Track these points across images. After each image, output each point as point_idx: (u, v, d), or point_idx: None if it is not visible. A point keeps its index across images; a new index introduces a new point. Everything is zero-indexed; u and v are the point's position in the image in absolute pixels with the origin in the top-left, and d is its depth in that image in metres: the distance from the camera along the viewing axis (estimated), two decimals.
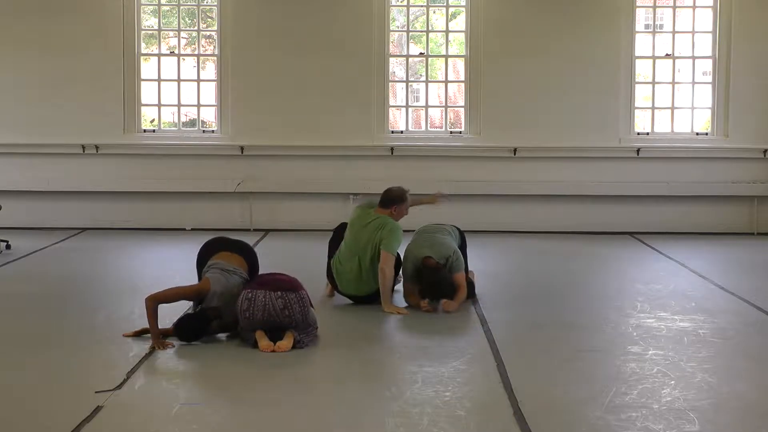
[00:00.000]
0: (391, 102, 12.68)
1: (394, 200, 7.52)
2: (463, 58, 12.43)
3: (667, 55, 12.40)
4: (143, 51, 12.48)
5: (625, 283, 8.85)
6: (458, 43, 13.05)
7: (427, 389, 5.18)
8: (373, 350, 6.31)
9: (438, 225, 7.85)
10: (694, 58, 12.40)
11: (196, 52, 12.72)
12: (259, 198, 12.09)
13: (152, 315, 6.09)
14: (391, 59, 12.58)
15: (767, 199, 12.09)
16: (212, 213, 12.07)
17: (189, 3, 12.47)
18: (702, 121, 12.59)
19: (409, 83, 13.06)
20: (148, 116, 12.88)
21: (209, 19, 12.79)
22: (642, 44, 12.42)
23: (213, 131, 12.34)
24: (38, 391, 5.16)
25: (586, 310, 7.45)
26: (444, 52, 12.84)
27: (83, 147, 12.03)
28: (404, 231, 7.49)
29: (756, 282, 8.66)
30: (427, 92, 12.62)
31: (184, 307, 6.65)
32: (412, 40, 13.11)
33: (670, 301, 7.65)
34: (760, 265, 9.74)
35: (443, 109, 12.86)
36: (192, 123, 13.06)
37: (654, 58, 12.39)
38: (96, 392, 5.04)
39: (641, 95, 12.66)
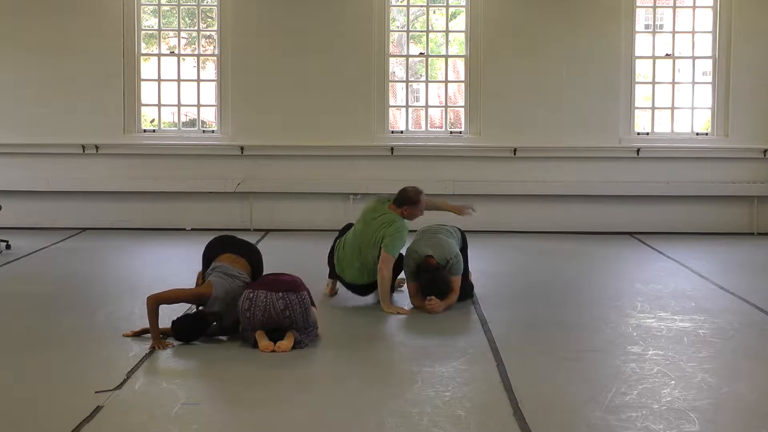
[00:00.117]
0: (391, 102, 12.68)
1: (405, 200, 7.53)
2: (463, 58, 12.44)
3: (667, 55, 12.40)
4: (143, 51, 12.48)
5: (625, 283, 8.85)
6: (458, 43, 13.05)
7: (427, 389, 5.18)
8: (373, 350, 6.31)
9: (440, 225, 7.86)
10: (694, 58, 12.40)
11: (196, 52, 12.72)
12: (259, 198, 12.09)
13: (153, 315, 6.09)
14: (391, 59, 12.58)
15: (767, 199, 12.09)
16: (212, 213, 12.07)
17: (189, 3, 12.47)
18: (702, 121, 12.59)
19: (409, 83, 13.06)
20: (148, 116, 12.88)
21: (209, 19, 12.78)
22: (642, 44, 12.42)
23: (213, 131, 12.34)
24: (38, 391, 5.16)
25: (586, 310, 7.45)
26: (444, 52, 12.84)
27: (83, 147, 12.03)
28: (409, 230, 7.54)
29: (756, 282, 8.66)
30: (427, 92, 12.62)
31: (185, 306, 6.66)
32: (412, 40, 13.11)
33: (670, 301, 7.65)
34: (760, 265, 9.74)
35: (443, 109, 12.86)
36: (192, 123, 13.06)
37: (654, 58, 12.39)
38: (96, 392, 5.04)
39: (641, 95, 12.66)
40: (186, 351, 6.02)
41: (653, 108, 12.48)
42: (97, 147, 12.04)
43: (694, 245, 11.05)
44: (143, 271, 9.39)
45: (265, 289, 6.11)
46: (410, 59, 12.80)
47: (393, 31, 12.65)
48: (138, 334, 6.32)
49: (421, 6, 12.88)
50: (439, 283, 7.25)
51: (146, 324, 6.23)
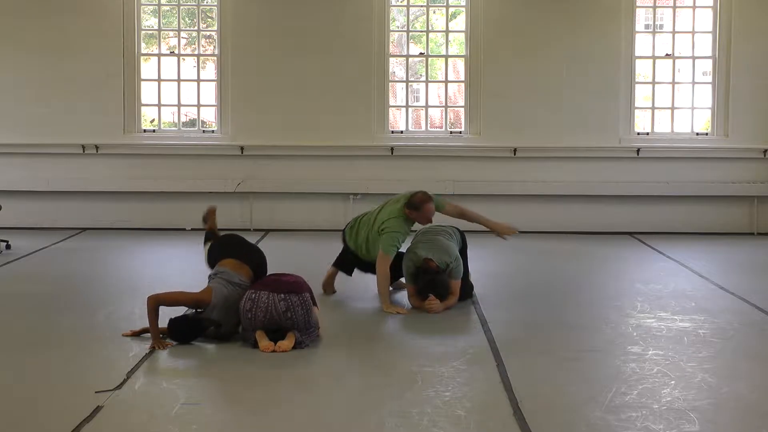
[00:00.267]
0: (391, 102, 12.68)
1: (410, 204, 7.50)
2: (463, 58, 12.44)
3: (667, 55, 12.40)
4: (143, 51, 12.48)
5: (625, 283, 8.85)
6: (458, 43, 13.05)
7: (427, 389, 5.18)
8: (373, 350, 6.31)
9: (440, 227, 7.84)
10: (694, 58, 12.40)
11: (196, 52, 12.72)
12: (259, 198, 12.09)
13: (153, 315, 6.09)
14: (391, 59, 12.58)
15: (767, 199, 12.09)
16: None
17: (189, 3, 12.47)
18: (702, 121, 12.59)
19: (409, 83, 13.06)
20: (148, 116, 12.87)
21: (209, 19, 12.78)
22: (642, 44, 12.42)
23: (213, 131, 12.34)
24: (38, 391, 5.17)
25: (586, 310, 7.45)
26: (444, 52, 12.84)
27: (83, 147, 12.03)
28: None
29: (756, 282, 8.66)
30: (427, 92, 12.62)
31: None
32: (412, 40, 13.11)
33: (670, 301, 7.65)
34: (760, 265, 9.75)
35: (443, 109, 12.86)
36: (192, 123, 13.06)
37: (654, 58, 12.39)
38: (96, 392, 5.04)
39: (641, 95, 12.66)
40: (186, 351, 6.02)
41: (653, 108, 12.48)
42: (97, 147, 12.04)
43: (694, 245, 11.05)
44: (143, 271, 9.39)
45: (267, 290, 6.10)
46: (410, 59, 12.79)
47: (393, 31, 12.65)
48: (138, 334, 6.32)
49: (421, 6, 12.88)
50: (438, 288, 7.25)
51: (146, 324, 6.23)
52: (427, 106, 12.73)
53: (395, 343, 6.53)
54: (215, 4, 12.21)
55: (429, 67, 12.75)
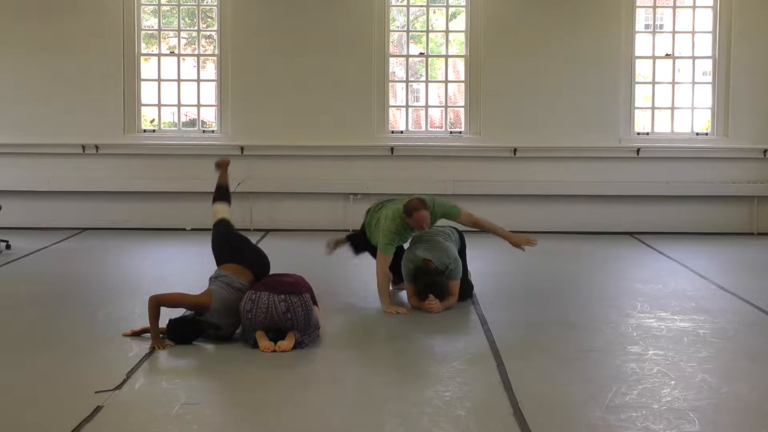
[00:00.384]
0: (391, 102, 12.68)
1: (404, 208, 7.44)
2: (463, 58, 12.44)
3: (667, 55, 12.40)
4: (143, 51, 12.48)
5: (625, 283, 8.85)
6: (458, 43, 13.05)
7: (427, 389, 5.18)
8: (373, 350, 6.32)
9: (438, 228, 7.84)
10: (694, 58, 12.40)
11: (196, 52, 12.72)
12: (259, 198, 12.09)
13: (153, 315, 6.09)
14: (391, 59, 12.58)
15: (767, 199, 12.09)
16: (212, 213, 12.03)
17: (189, 3, 12.47)
18: (702, 121, 12.59)
19: (409, 83, 13.06)
20: (148, 116, 12.88)
21: (209, 19, 12.79)
22: (642, 44, 12.42)
23: (213, 131, 12.34)
24: (38, 391, 5.17)
25: (586, 310, 7.45)
26: (444, 52, 12.84)
27: (83, 147, 12.03)
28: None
29: (756, 282, 8.66)
30: (427, 92, 12.62)
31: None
32: (412, 40, 13.11)
33: (670, 301, 7.65)
34: (760, 265, 9.74)
35: (443, 109, 12.86)
36: (192, 123, 13.06)
37: (654, 58, 12.39)
38: (96, 392, 5.05)
39: (641, 95, 12.66)
40: (186, 351, 6.02)
41: (653, 108, 12.49)
42: (97, 147, 12.04)
43: (694, 245, 11.05)
44: (143, 271, 9.39)
45: (268, 291, 6.10)
46: (410, 59, 12.80)
47: (393, 31, 12.65)
48: (138, 334, 6.32)
49: (421, 6, 12.88)
50: (437, 289, 7.26)
51: (146, 323, 6.23)
52: (427, 106, 12.73)
53: (395, 343, 6.53)
54: (215, 4, 12.21)
55: (429, 67, 12.75)
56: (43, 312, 7.19)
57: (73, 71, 11.96)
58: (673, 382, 5.34)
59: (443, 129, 12.57)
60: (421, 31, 13.19)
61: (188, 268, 9.41)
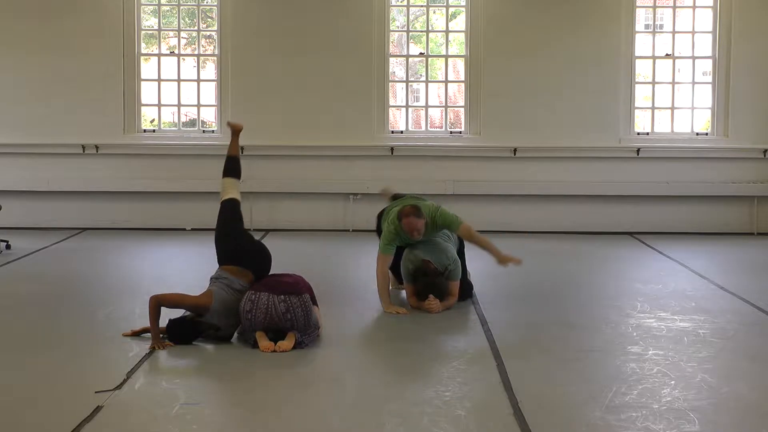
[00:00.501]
0: (391, 102, 12.68)
1: (397, 214, 7.47)
2: (463, 58, 12.44)
3: (667, 55, 12.40)
4: (143, 51, 12.48)
5: (625, 283, 8.85)
6: (458, 43, 13.05)
7: (427, 389, 5.18)
8: (373, 350, 6.32)
9: None
10: (694, 58, 12.40)
11: (196, 52, 12.72)
12: (259, 198, 12.08)
13: (154, 315, 6.08)
14: (391, 59, 12.58)
15: (767, 199, 12.09)
16: (212, 213, 11.84)
17: (189, 3, 12.47)
18: (702, 121, 12.59)
19: (409, 83, 13.06)
20: (148, 116, 12.87)
21: (209, 19, 12.78)
22: (642, 44, 12.42)
23: (213, 131, 12.34)
24: (38, 391, 5.16)
25: (586, 310, 7.45)
26: (444, 52, 12.84)
27: (83, 147, 12.03)
28: None
29: (756, 282, 8.66)
30: (427, 92, 12.62)
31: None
32: (412, 40, 13.11)
33: (670, 301, 7.65)
34: (760, 265, 9.74)
35: (443, 109, 12.85)
36: (192, 123, 13.06)
37: (654, 58, 12.39)
38: (96, 392, 5.04)
39: (641, 95, 12.66)
40: (186, 351, 6.02)
41: (653, 108, 12.49)
42: (97, 147, 12.04)
43: (694, 245, 11.05)
44: (143, 271, 9.39)
45: (267, 291, 6.09)
46: (410, 59, 12.80)
47: (393, 31, 12.65)
48: (137, 334, 6.32)
49: (421, 6, 12.88)
50: (436, 289, 7.27)
51: (146, 323, 6.23)
52: (427, 106, 12.73)
53: (395, 343, 6.52)
54: (215, 4, 12.21)
55: (429, 67, 12.75)
56: (43, 312, 7.19)
57: (73, 71, 11.96)
58: (673, 382, 5.34)
59: (443, 129, 12.57)
60: (421, 31, 13.18)
61: (188, 268, 9.41)
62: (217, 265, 6.59)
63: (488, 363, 5.76)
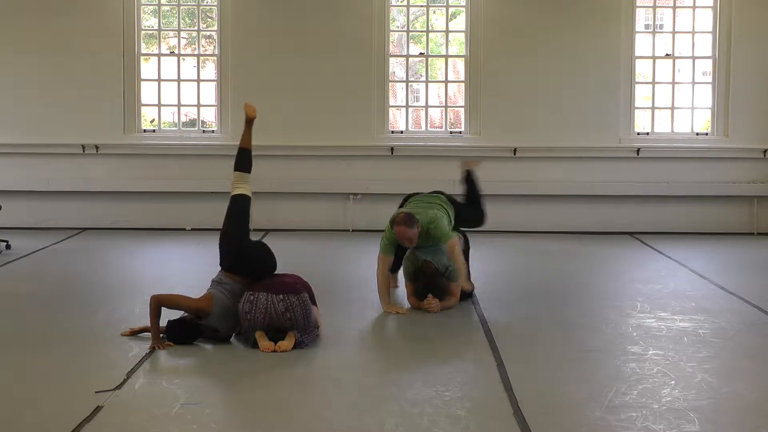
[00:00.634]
0: (391, 102, 12.68)
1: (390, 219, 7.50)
2: (463, 58, 12.44)
3: (667, 55, 12.41)
4: (143, 51, 12.48)
5: (625, 283, 8.85)
6: (458, 43, 13.05)
7: (427, 389, 5.18)
8: (373, 350, 6.32)
9: None
10: (694, 58, 12.40)
11: (196, 52, 12.72)
12: (259, 198, 11.96)
13: (154, 314, 6.07)
14: (391, 59, 12.58)
15: (767, 199, 12.09)
16: (212, 213, 11.97)
17: (189, 3, 12.47)
18: (702, 121, 12.59)
19: (409, 83, 13.06)
20: (148, 116, 12.88)
21: (209, 19, 12.78)
22: (642, 44, 12.42)
23: (213, 131, 12.34)
24: (38, 391, 5.16)
25: (586, 310, 7.45)
26: (444, 52, 12.84)
27: (83, 147, 12.03)
28: None
29: (756, 282, 8.66)
30: (427, 92, 12.62)
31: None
32: (412, 40, 13.11)
33: (670, 301, 7.65)
34: (760, 265, 9.74)
35: (443, 109, 12.86)
36: (192, 123, 13.06)
37: (654, 58, 12.39)
38: (96, 392, 5.04)
39: (641, 95, 12.66)
40: (186, 351, 6.02)
41: (653, 108, 12.49)
42: (97, 147, 12.04)
43: (694, 245, 11.05)
44: (143, 271, 9.39)
45: (266, 291, 6.09)
46: (410, 59, 12.80)
47: (393, 31, 12.65)
48: (136, 333, 6.31)
49: (421, 6, 12.88)
50: (436, 290, 7.27)
51: (146, 323, 6.23)
52: (427, 106, 12.74)
53: (395, 343, 6.53)
54: (215, 4, 12.21)
55: (429, 67, 12.75)
56: (43, 312, 7.19)
57: (72, 71, 11.96)
58: (673, 382, 5.34)
59: (443, 129, 12.57)
60: (421, 31, 13.19)
61: (188, 268, 9.41)
62: (219, 266, 6.51)
63: (488, 363, 5.76)
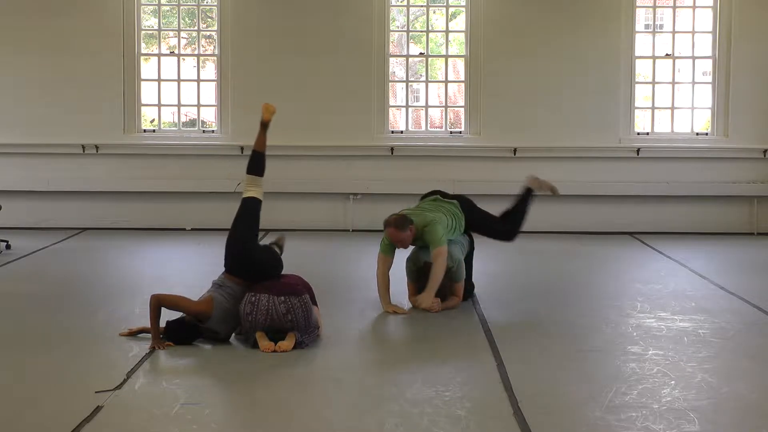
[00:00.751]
0: (391, 102, 12.68)
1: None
2: (463, 58, 12.44)
3: (667, 55, 12.40)
4: (143, 51, 12.48)
5: (625, 283, 8.85)
6: (458, 43, 13.05)
7: (427, 389, 5.18)
8: (373, 350, 6.32)
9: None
10: (694, 58, 12.40)
11: (196, 52, 12.72)
12: None
13: (154, 314, 6.06)
14: (391, 59, 12.58)
15: (767, 199, 12.09)
16: (212, 213, 12.05)
17: (189, 3, 12.47)
18: (702, 121, 12.59)
19: (409, 83, 13.06)
20: (148, 116, 12.87)
21: (209, 19, 12.78)
22: (642, 44, 12.42)
23: (213, 131, 12.34)
24: (38, 391, 5.16)
25: (586, 310, 7.45)
26: (444, 52, 12.84)
27: (83, 147, 12.03)
28: None
29: (756, 282, 8.66)
30: (427, 92, 12.62)
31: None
32: (412, 40, 13.11)
33: (670, 301, 7.65)
34: (760, 265, 9.74)
35: (443, 109, 12.86)
36: (192, 123, 13.06)
37: (654, 58, 12.39)
38: (96, 392, 5.04)
39: (641, 95, 12.66)
40: (186, 351, 6.02)
41: (653, 108, 12.49)
42: (97, 147, 12.04)
43: (694, 245, 11.05)
44: (143, 271, 9.39)
45: (268, 293, 6.08)
46: (410, 59, 12.80)
47: (393, 31, 12.65)
48: (134, 334, 6.31)
49: (421, 6, 12.88)
50: (438, 292, 7.26)
51: (145, 323, 6.23)
52: (427, 106, 12.74)
53: (395, 343, 6.53)
54: (215, 4, 12.21)
55: (429, 67, 12.75)
56: (43, 312, 7.19)
57: (72, 71, 11.96)
58: (673, 382, 5.34)
59: (443, 129, 12.57)
60: (421, 31, 13.19)
61: (188, 268, 9.41)
62: (223, 266, 6.46)
63: (488, 363, 5.76)
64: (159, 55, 12.55)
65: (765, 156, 12.08)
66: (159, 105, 12.44)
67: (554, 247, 10.92)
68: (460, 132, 12.32)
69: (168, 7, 12.61)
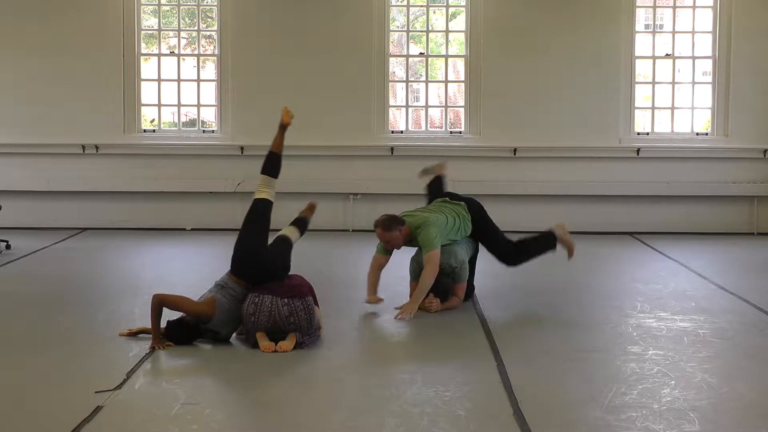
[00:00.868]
0: (391, 102, 12.68)
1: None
2: (463, 58, 12.44)
3: (667, 55, 12.41)
4: (143, 51, 12.48)
5: (625, 283, 8.85)
6: (458, 43, 13.05)
7: (427, 389, 5.18)
8: (373, 350, 6.32)
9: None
10: (694, 58, 12.40)
11: (196, 52, 12.72)
12: None
13: (155, 314, 6.06)
14: (391, 59, 12.58)
15: (767, 199, 12.09)
16: (212, 213, 12.06)
17: (189, 3, 12.47)
18: (702, 121, 12.59)
19: (409, 83, 13.06)
20: (148, 116, 12.88)
21: (209, 19, 12.78)
22: (642, 44, 12.42)
23: (213, 131, 12.34)
24: (38, 391, 5.16)
25: (586, 310, 7.45)
26: (444, 52, 12.84)
27: (83, 147, 12.03)
28: None
29: (756, 282, 8.66)
30: (427, 92, 12.62)
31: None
32: (412, 40, 13.11)
33: (670, 301, 7.65)
34: (760, 265, 9.74)
35: (443, 109, 12.86)
36: (192, 123, 13.06)
37: (654, 58, 12.39)
38: (96, 392, 5.04)
39: (641, 95, 12.66)
40: (186, 351, 6.02)
41: (653, 108, 12.49)
42: (97, 147, 12.04)
43: (694, 245, 11.05)
44: (143, 271, 9.38)
45: (271, 294, 6.07)
46: (410, 59, 12.80)
47: (393, 31, 12.66)
48: (134, 334, 6.31)
49: (421, 6, 12.88)
50: (438, 291, 7.27)
51: (145, 323, 6.23)
52: (427, 106, 12.74)
53: (395, 344, 6.53)
54: (215, 4, 12.21)
55: (429, 67, 12.75)
56: (43, 312, 7.19)
57: (73, 71, 11.96)
58: (673, 382, 5.34)
59: (443, 129, 12.57)
60: (421, 31, 13.19)
61: (188, 268, 9.41)
62: (229, 266, 6.42)
63: (488, 363, 5.76)
64: (159, 55, 12.55)
65: (765, 156, 12.08)
66: (159, 105, 12.44)
67: None
68: (460, 132, 12.32)
69: (168, 7, 12.61)
